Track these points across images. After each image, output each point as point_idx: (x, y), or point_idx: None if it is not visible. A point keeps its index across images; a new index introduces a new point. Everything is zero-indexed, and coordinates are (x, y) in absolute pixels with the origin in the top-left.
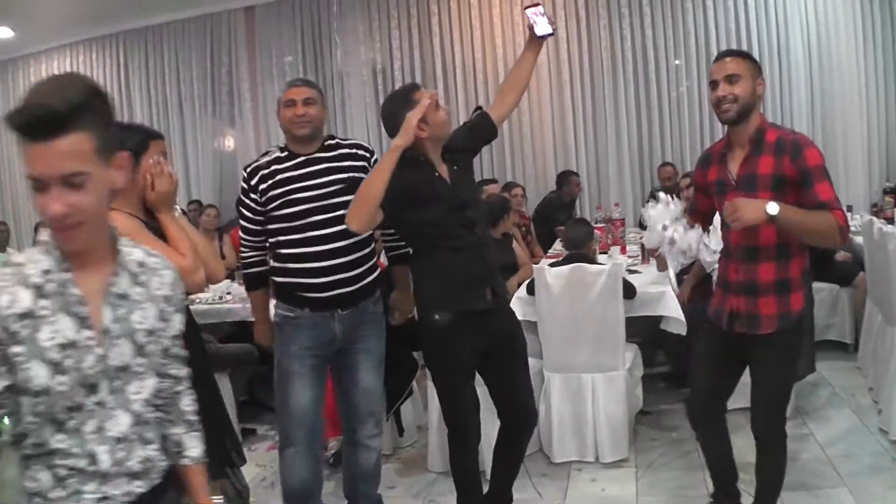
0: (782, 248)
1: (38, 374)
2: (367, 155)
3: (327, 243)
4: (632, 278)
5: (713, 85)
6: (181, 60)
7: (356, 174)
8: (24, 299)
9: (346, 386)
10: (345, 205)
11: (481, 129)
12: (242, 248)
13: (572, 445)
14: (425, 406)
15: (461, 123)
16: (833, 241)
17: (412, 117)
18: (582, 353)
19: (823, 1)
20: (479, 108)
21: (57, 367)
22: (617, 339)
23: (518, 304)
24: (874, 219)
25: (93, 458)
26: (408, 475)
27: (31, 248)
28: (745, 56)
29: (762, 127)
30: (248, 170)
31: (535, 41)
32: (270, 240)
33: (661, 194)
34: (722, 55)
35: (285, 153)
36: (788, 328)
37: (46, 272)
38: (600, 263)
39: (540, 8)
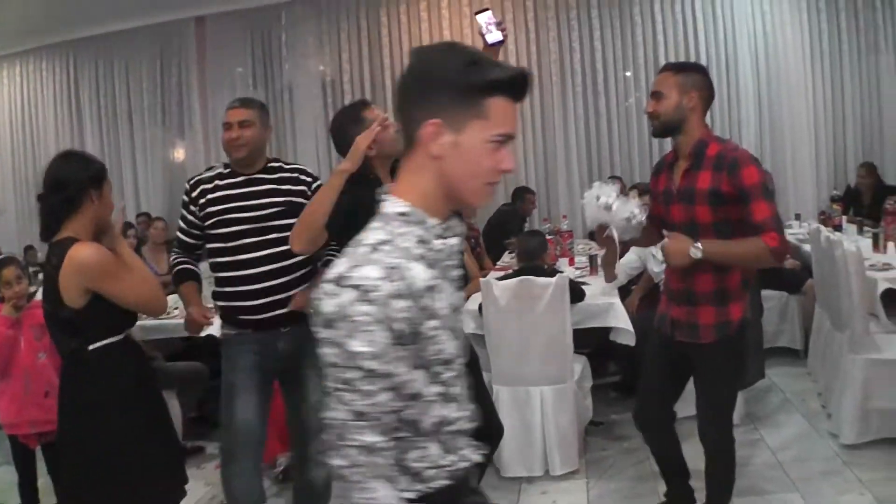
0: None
1: (448, 344)
2: (309, 180)
3: (260, 266)
4: None
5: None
6: (131, 70)
7: (295, 198)
8: (422, 272)
9: (296, 402)
10: (280, 228)
11: None
12: (174, 252)
13: (522, 458)
14: None
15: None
16: (768, 264)
17: (360, 142)
18: (530, 365)
19: (771, 13)
20: None
21: (454, 333)
22: (565, 350)
23: (466, 317)
24: (821, 227)
25: (465, 419)
26: None
27: (380, 223)
28: (678, 70)
29: (704, 140)
30: (191, 182)
31: (487, 49)
32: (209, 261)
33: (595, 183)
34: (661, 69)
35: (228, 170)
36: (727, 338)
37: (422, 242)
38: (560, 271)
39: (489, 14)
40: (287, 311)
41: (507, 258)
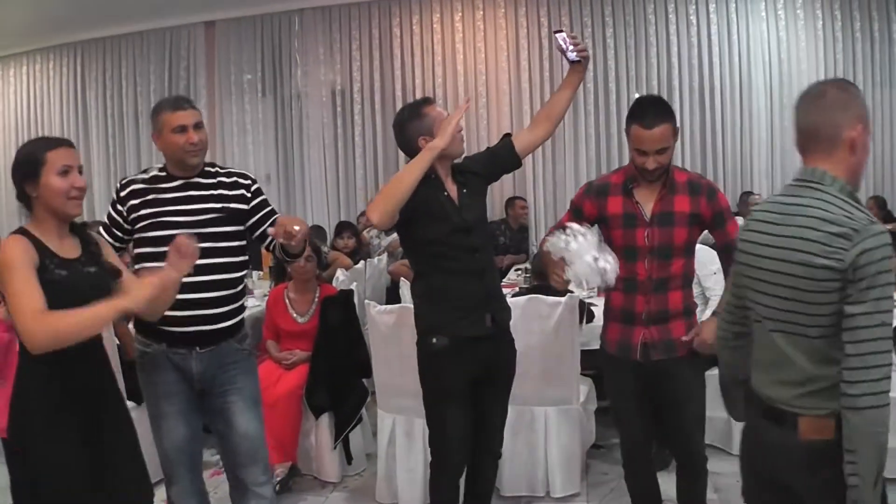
0: (686, 276)
1: None
2: (248, 183)
3: (192, 275)
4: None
5: (641, 153)
6: (139, 73)
7: (232, 204)
8: None
9: (222, 430)
10: (215, 236)
11: (501, 158)
12: None
13: (523, 479)
14: (374, 433)
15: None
16: None
17: (453, 118)
18: (536, 385)
19: (787, 40)
20: (507, 134)
21: None
22: (572, 371)
23: None
24: None
25: None
26: None
27: None
28: (669, 114)
29: (670, 167)
30: (123, 181)
31: (573, 68)
32: (135, 266)
33: (572, 225)
34: (650, 122)
35: (164, 174)
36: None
37: None
38: (572, 291)
39: (564, 35)
40: (208, 329)
41: (514, 275)
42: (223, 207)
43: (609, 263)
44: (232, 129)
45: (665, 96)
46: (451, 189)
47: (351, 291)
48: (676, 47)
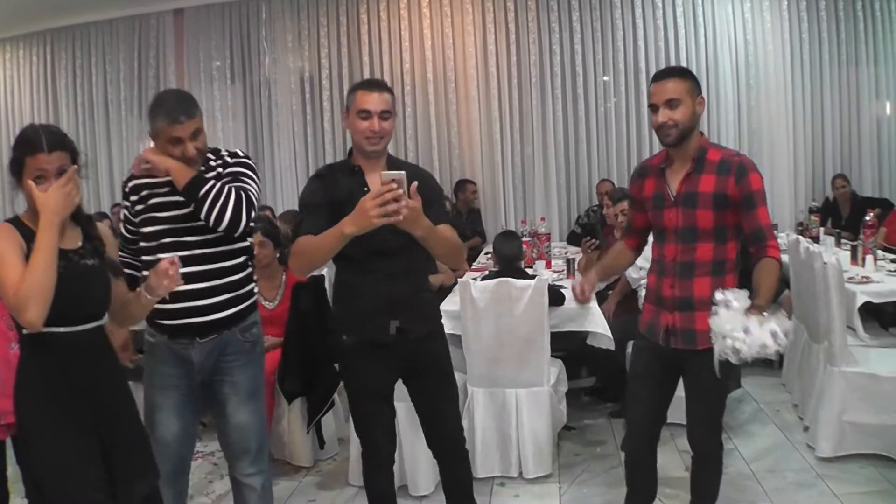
0: (717, 264)
1: None
2: (212, 157)
3: (181, 267)
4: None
5: (653, 108)
6: (108, 61)
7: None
8: None
9: (219, 420)
10: (199, 229)
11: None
12: (120, 250)
13: (495, 460)
14: (347, 418)
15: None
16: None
17: (366, 202)
18: (506, 368)
19: (752, 21)
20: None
21: None
22: (542, 354)
23: (444, 317)
24: (801, 238)
25: None
26: (328, 488)
27: None
28: (686, 75)
29: (703, 146)
30: (127, 176)
31: None
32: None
33: (723, 296)
34: (662, 75)
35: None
36: None
37: None
38: (530, 277)
39: None
40: (204, 320)
41: (484, 259)
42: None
43: (774, 326)
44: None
45: (631, 79)
46: (375, 184)
47: (322, 277)
48: (643, 30)
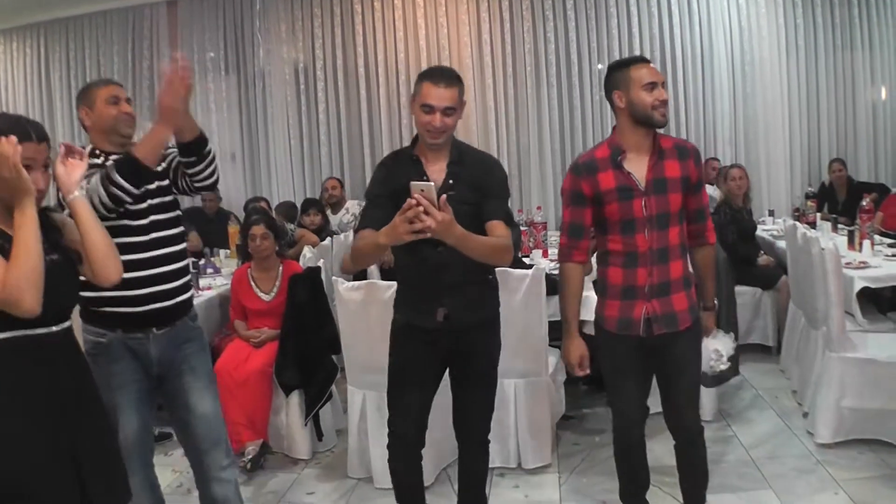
0: (682, 246)
1: None
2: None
3: (144, 251)
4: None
5: (652, 86)
6: (102, 53)
7: (163, 181)
8: None
9: (181, 414)
10: (158, 208)
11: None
12: None
13: (494, 451)
14: (345, 409)
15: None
16: None
17: (396, 218)
18: (505, 358)
19: (747, 8)
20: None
21: None
22: (540, 344)
23: None
24: (798, 224)
25: None
26: (327, 480)
27: None
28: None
29: (656, 134)
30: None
31: None
32: None
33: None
34: (643, 59)
35: (97, 153)
36: (697, 318)
37: None
38: (527, 266)
39: None
40: (167, 305)
41: None
42: (161, 187)
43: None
44: (196, 108)
45: None
46: (435, 174)
47: (318, 268)
48: (637, 17)
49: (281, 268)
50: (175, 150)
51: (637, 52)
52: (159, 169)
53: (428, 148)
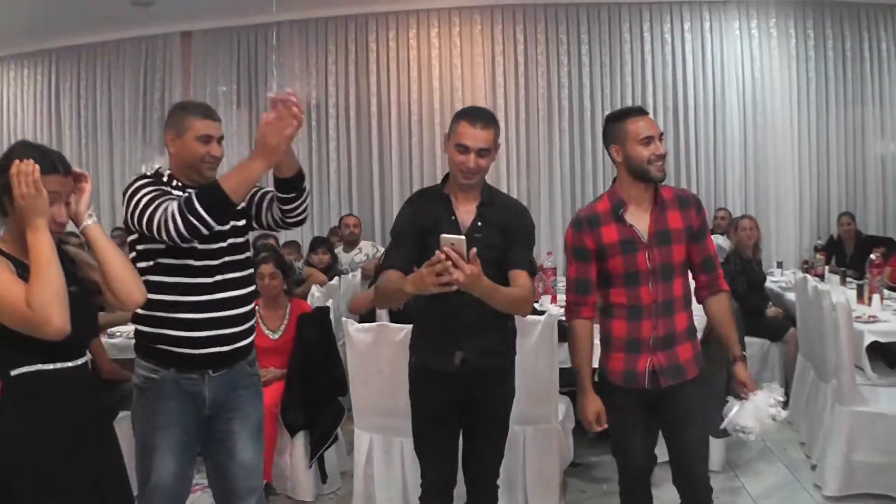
0: (686, 296)
1: None
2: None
3: (208, 293)
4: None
5: (648, 140)
6: (114, 82)
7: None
8: None
9: (222, 460)
10: (229, 249)
11: (507, 252)
12: None
13: (502, 498)
14: (349, 451)
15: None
16: None
17: (423, 269)
18: (515, 404)
19: (760, 60)
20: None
21: None
22: (550, 390)
23: None
24: (808, 276)
25: None
26: None
27: None
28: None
29: (657, 185)
30: (156, 172)
31: None
32: (142, 272)
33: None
34: (641, 111)
35: (176, 183)
36: (702, 367)
37: None
38: (539, 312)
39: None
40: (225, 350)
41: None
42: (238, 226)
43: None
44: None
45: None
46: (464, 214)
47: (327, 308)
48: (651, 65)
49: (289, 306)
50: (259, 186)
51: (650, 100)
52: (238, 208)
53: (459, 188)
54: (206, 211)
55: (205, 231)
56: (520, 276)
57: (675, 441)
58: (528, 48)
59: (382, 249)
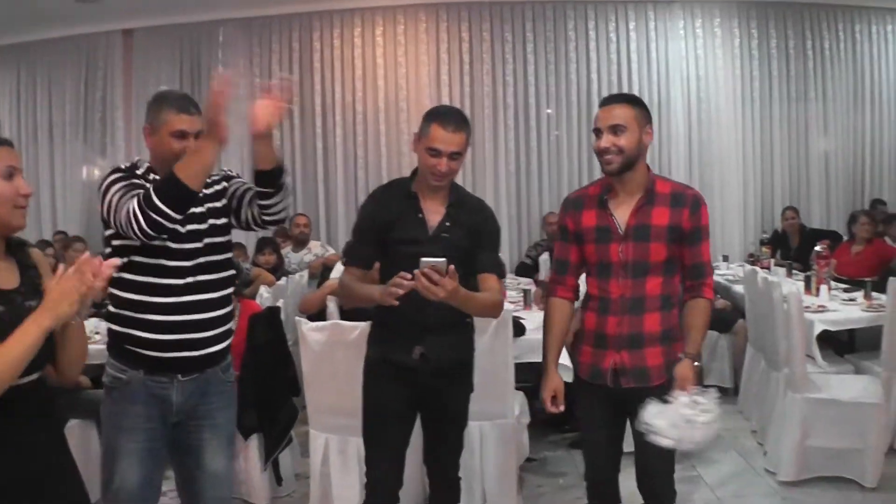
0: (666, 298)
1: None
2: (221, 177)
3: (180, 294)
4: None
5: (596, 133)
6: (53, 82)
7: (218, 219)
8: None
9: (190, 470)
10: (208, 249)
11: (473, 255)
12: None
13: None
14: (304, 453)
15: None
16: None
17: (386, 295)
18: (471, 400)
19: (705, 58)
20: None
21: None
22: (507, 386)
23: None
24: (757, 269)
25: None
26: None
27: None
28: (635, 102)
29: (651, 177)
30: (134, 163)
31: None
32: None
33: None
34: (610, 100)
35: (152, 175)
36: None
37: None
38: None
39: None
40: (194, 355)
41: None
42: (208, 212)
43: (704, 412)
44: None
45: (584, 112)
46: (431, 214)
47: (278, 308)
48: (596, 63)
49: (239, 307)
50: (241, 180)
51: (595, 99)
52: (219, 205)
53: (427, 187)
54: (164, 203)
55: (168, 224)
56: (489, 280)
57: (642, 449)
58: (474, 46)
59: (332, 249)
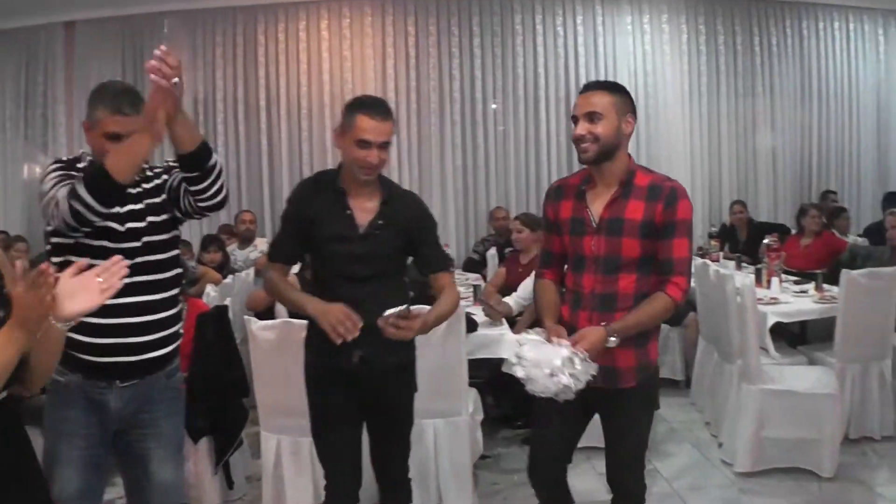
0: (641, 297)
1: None
2: (163, 169)
3: (116, 296)
4: None
5: (573, 120)
6: None
7: (156, 199)
8: None
9: (138, 479)
10: (147, 248)
11: (418, 253)
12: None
13: (415, 492)
14: (255, 455)
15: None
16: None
17: (337, 327)
18: (424, 397)
19: (652, 53)
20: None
21: None
22: (460, 382)
23: None
24: (708, 262)
25: None
26: None
27: None
28: (615, 90)
29: (631, 168)
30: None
31: None
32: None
33: (529, 335)
34: (588, 87)
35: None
36: (647, 379)
37: None
38: None
39: None
40: (131, 360)
41: None
42: (147, 208)
43: (575, 376)
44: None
45: (531, 106)
46: (361, 212)
47: (226, 307)
48: (543, 58)
49: (186, 305)
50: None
51: (542, 93)
52: (158, 201)
53: (356, 182)
54: (90, 194)
55: (90, 216)
56: (442, 278)
57: (611, 448)
58: (420, 40)
59: None
